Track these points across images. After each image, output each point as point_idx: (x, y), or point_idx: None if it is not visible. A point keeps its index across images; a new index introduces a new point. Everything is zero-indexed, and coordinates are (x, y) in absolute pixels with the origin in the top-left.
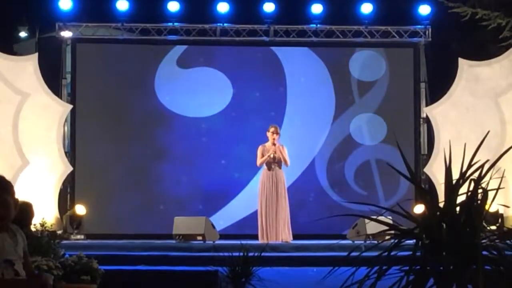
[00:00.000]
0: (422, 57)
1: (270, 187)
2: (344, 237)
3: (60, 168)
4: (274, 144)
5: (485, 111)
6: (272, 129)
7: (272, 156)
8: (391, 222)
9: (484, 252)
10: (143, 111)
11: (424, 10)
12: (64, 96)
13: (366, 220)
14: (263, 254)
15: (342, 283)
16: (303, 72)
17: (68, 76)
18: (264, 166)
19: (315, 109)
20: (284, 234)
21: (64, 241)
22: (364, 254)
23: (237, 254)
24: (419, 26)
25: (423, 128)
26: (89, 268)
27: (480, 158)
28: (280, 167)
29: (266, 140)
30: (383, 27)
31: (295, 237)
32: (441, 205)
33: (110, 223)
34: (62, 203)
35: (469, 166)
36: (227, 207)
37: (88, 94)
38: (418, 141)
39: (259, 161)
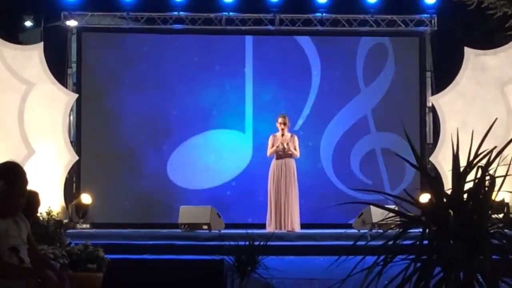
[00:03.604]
0: (428, 46)
1: (279, 176)
2: (349, 226)
3: (65, 157)
4: (282, 135)
5: (491, 100)
6: (280, 119)
7: (280, 147)
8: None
9: (492, 240)
10: (148, 100)
11: None
12: (69, 86)
13: (372, 209)
14: (269, 243)
15: (350, 271)
16: (308, 61)
17: (74, 66)
18: (274, 155)
19: (321, 98)
20: (291, 223)
21: (70, 230)
22: (370, 243)
23: (242, 243)
24: (425, 15)
25: (429, 117)
26: (95, 256)
27: (486, 147)
28: (290, 156)
29: (276, 129)
30: (388, 16)
31: (301, 226)
32: (448, 192)
33: (116, 212)
34: (68, 192)
35: (476, 153)
36: (232, 196)
37: (93, 83)
38: (423, 130)
39: (269, 151)
